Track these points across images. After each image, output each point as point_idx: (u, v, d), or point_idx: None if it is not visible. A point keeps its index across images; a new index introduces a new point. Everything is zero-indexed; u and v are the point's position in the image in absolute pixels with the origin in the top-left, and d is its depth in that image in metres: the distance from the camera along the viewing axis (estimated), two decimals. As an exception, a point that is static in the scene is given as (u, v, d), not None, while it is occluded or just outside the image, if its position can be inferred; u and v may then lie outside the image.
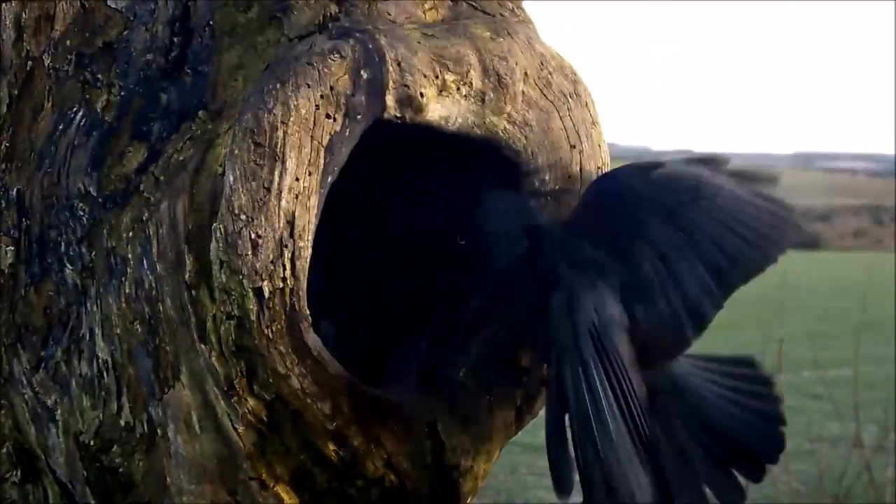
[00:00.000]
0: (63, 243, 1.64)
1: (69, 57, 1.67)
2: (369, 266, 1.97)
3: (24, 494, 1.69)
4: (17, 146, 1.69)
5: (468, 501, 1.66)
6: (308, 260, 1.51)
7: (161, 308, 1.53)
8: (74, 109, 1.65)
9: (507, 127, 1.65)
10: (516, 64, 1.65)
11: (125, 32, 1.67)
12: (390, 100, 1.55)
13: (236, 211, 1.47)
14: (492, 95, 1.63)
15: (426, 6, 1.67)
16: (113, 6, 1.67)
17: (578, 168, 1.70)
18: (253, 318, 1.47)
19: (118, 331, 1.57)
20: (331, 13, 1.61)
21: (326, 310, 1.78)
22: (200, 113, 1.60)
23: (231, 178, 1.48)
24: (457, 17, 1.67)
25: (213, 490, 1.55)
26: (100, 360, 1.60)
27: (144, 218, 1.56)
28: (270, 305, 1.48)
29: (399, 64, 1.55)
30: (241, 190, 1.47)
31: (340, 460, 1.55)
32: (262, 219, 1.47)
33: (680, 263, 1.51)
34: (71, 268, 1.63)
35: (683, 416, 1.54)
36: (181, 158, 1.57)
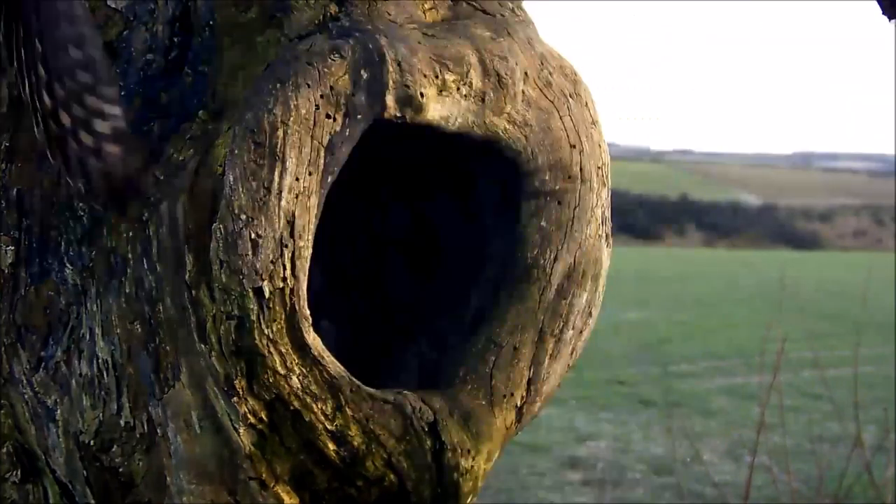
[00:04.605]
0: (63, 243, 1.64)
1: (69, 57, 1.67)
2: (369, 266, 1.97)
3: (24, 494, 1.69)
4: (18, 146, 1.69)
5: (468, 501, 1.66)
6: (308, 260, 1.51)
7: (161, 308, 1.53)
8: (74, 109, 1.64)
9: (508, 127, 1.65)
10: (516, 64, 1.65)
11: (125, 32, 1.68)
12: (390, 100, 1.55)
13: (236, 211, 1.47)
14: (492, 95, 1.63)
15: (426, 6, 1.67)
16: (113, 6, 1.67)
17: (579, 168, 1.71)
18: (253, 317, 1.47)
19: (118, 331, 1.57)
20: (331, 13, 1.62)
21: (326, 310, 1.78)
22: (200, 113, 1.60)
23: (231, 178, 1.48)
24: (457, 17, 1.68)
25: (213, 490, 1.55)
26: (100, 360, 1.60)
27: (144, 218, 1.56)
28: (270, 305, 1.48)
29: (399, 64, 1.56)
30: (241, 190, 1.47)
31: (340, 460, 1.55)
32: (262, 219, 1.47)
33: None
34: (71, 268, 1.63)
35: None
36: (181, 158, 1.57)
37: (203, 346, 1.50)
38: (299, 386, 1.51)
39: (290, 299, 1.49)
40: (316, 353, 1.51)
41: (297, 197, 1.49)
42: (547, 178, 1.69)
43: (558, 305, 1.70)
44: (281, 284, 1.48)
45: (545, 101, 1.68)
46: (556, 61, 1.72)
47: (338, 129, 1.53)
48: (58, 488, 1.66)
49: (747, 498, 4.55)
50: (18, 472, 1.70)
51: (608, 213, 1.77)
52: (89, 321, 1.61)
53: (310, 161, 1.50)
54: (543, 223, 1.69)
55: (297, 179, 1.49)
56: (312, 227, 1.51)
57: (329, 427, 1.53)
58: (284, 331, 1.49)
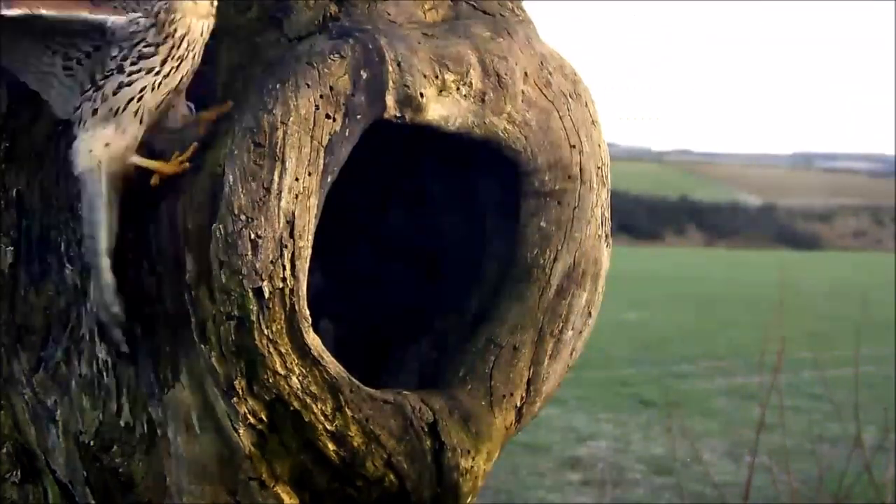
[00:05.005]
0: (63, 243, 1.64)
1: (69, 57, 1.67)
2: (369, 266, 1.97)
3: (24, 494, 1.69)
4: (17, 146, 1.69)
5: (468, 501, 1.66)
6: (308, 260, 1.51)
7: (161, 308, 1.53)
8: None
9: (507, 127, 1.65)
10: (516, 64, 1.65)
11: (125, 32, 1.67)
12: (390, 100, 1.55)
13: (236, 211, 1.47)
14: (492, 95, 1.63)
15: (426, 6, 1.67)
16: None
17: (578, 168, 1.70)
18: (253, 318, 1.47)
19: (118, 331, 1.57)
20: (331, 13, 1.62)
21: (326, 310, 1.78)
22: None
23: (231, 178, 1.48)
24: (457, 17, 1.68)
25: (214, 490, 1.55)
26: (99, 361, 1.60)
27: (144, 218, 1.56)
28: (270, 305, 1.48)
29: (399, 64, 1.56)
30: (240, 190, 1.47)
31: (340, 460, 1.55)
32: (262, 219, 1.47)
33: None
34: (71, 268, 1.63)
35: None
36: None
37: (203, 346, 1.50)
38: (299, 386, 1.51)
39: (290, 299, 1.49)
40: (316, 354, 1.51)
41: (296, 197, 1.49)
42: (547, 178, 1.69)
43: (558, 305, 1.70)
44: (281, 284, 1.48)
45: (545, 100, 1.68)
46: (556, 61, 1.72)
47: (338, 129, 1.53)
48: (58, 488, 1.66)
49: (747, 498, 4.55)
50: (18, 472, 1.70)
51: (608, 213, 1.77)
52: (89, 321, 1.60)
53: (310, 161, 1.50)
54: (543, 223, 1.69)
55: (297, 180, 1.49)
56: (312, 227, 1.51)
57: (329, 427, 1.53)
58: (284, 331, 1.49)
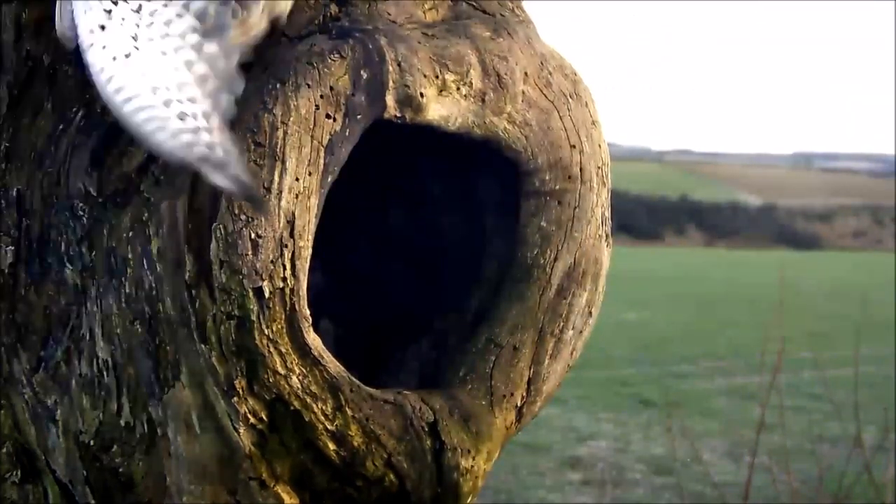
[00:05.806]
0: (63, 243, 1.64)
1: (69, 57, 1.67)
2: (369, 266, 1.98)
3: (24, 494, 1.69)
4: (17, 146, 1.69)
5: (468, 501, 1.66)
6: (308, 260, 1.51)
7: (161, 308, 1.53)
8: (74, 109, 1.65)
9: (508, 127, 1.65)
10: (516, 64, 1.65)
11: (125, 32, 1.67)
12: (390, 99, 1.55)
13: (236, 211, 1.47)
14: (492, 95, 1.63)
15: (426, 6, 1.67)
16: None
17: (579, 168, 1.71)
18: (253, 318, 1.47)
19: (118, 331, 1.57)
20: (331, 13, 1.62)
21: (326, 309, 1.78)
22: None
23: (231, 178, 1.48)
24: (457, 17, 1.68)
25: (214, 490, 1.55)
26: (100, 360, 1.60)
27: (144, 218, 1.56)
28: (270, 305, 1.48)
29: (399, 64, 1.56)
30: (241, 190, 1.47)
31: (340, 460, 1.55)
32: (262, 219, 1.47)
33: None
34: (71, 268, 1.63)
35: None
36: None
37: (203, 346, 1.50)
38: (299, 386, 1.51)
39: (290, 299, 1.49)
40: (316, 353, 1.51)
41: (297, 197, 1.49)
42: (547, 178, 1.69)
43: (558, 305, 1.70)
44: (281, 284, 1.48)
45: (545, 101, 1.68)
46: (556, 61, 1.72)
47: (338, 129, 1.53)
48: (58, 488, 1.66)
49: (747, 498, 4.56)
50: (18, 472, 1.70)
51: (608, 213, 1.77)
52: (89, 321, 1.60)
53: (310, 161, 1.50)
54: (543, 223, 1.69)
55: (297, 179, 1.49)
56: (312, 227, 1.51)
57: (329, 427, 1.53)
58: (284, 331, 1.49)
